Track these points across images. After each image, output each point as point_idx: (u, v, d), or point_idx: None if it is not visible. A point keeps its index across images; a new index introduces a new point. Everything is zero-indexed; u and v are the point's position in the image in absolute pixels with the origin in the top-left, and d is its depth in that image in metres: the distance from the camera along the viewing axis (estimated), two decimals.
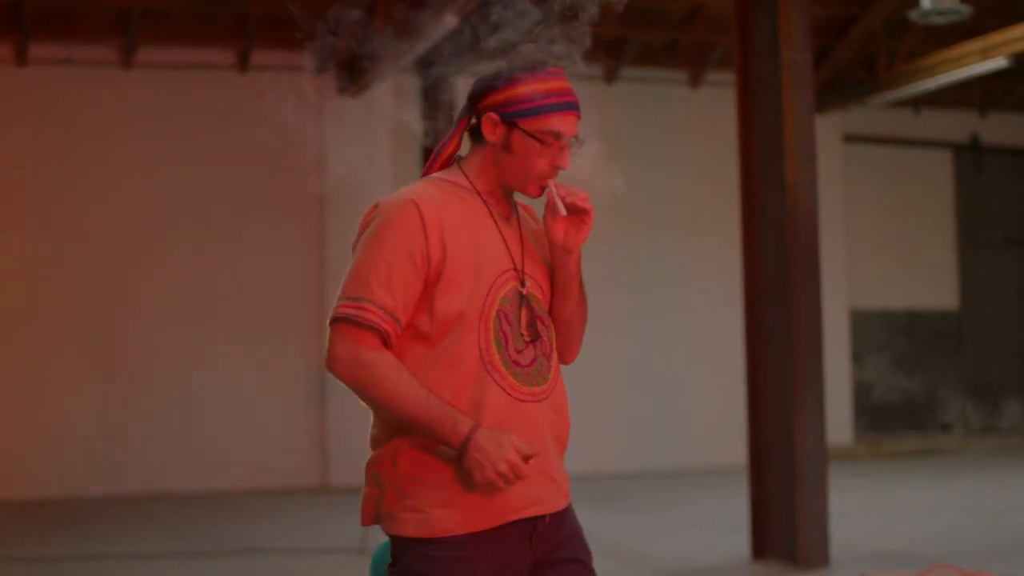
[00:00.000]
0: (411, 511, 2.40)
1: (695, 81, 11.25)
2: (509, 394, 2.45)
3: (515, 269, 2.51)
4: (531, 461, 2.39)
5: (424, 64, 9.93)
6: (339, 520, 8.19)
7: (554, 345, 2.57)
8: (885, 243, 12.28)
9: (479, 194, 2.53)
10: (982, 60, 9.59)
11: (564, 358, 2.64)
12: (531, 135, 2.46)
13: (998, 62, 9.51)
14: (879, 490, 9.50)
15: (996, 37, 9.39)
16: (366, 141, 10.29)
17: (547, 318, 2.56)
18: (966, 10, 8.13)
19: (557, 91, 2.48)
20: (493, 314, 2.47)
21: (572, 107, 2.49)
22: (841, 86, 11.52)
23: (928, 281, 12.59)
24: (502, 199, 2.57)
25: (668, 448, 10.99)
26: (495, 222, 2.52)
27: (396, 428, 2.43)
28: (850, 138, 12.08)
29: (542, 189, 2.50)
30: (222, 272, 10.22)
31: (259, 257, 10.27)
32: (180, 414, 10.01)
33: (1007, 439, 12.87)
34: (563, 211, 2.49)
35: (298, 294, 10.29)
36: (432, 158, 2.62)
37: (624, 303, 11.03)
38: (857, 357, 12.24)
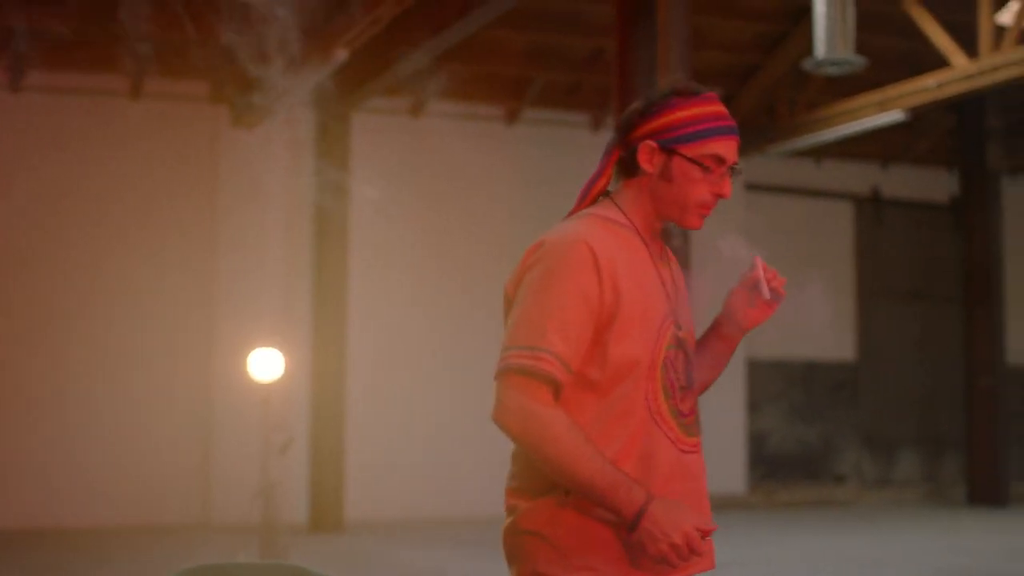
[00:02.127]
0: (583, 570, 2.26)
1: (597, 124, 11.19)
2: (676, 445, 2.34)
3: (672, 312, 2.38)
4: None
5: (319, 97, 9.80)
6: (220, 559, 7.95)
7: (695, 392, 2.45)
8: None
9: (637, 231, 2.38)
10: (880, 112, 9.62)
11: None
12: (693, 160, 2.33)
13: (895, 115, 9.55)
14: (768, 540, 9.43)
15: (893, 90, 9.43)
16: (259, 174, 10.11)
17: (695, 363, 2.47)
18: (859, 62, 8.13)
19: (716, 115, 2.35)
20: (661, 361, 2.34)
21: (733, 131, 2.36)
22: (743, 134, 11.51)
23: (826, 332, 12.60)
24: (656, 236, 2.42)
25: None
26: (653, 262, 2.38)
27: (552, 482, 2.29)
28: (751, 186, 12.09)
29: (702, 219, 2.37)
30: (107, 302, 9.97)
31: (146, 289, 10.03)
32: (58, 446, 9.73)
33: (901, 491, 12.88)
34: (766, 294, 2.44)
35: (187, 326, 10.06)
36: (582, 194, 2.47)
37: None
38: (753, 406, 12.21)
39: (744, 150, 11.47)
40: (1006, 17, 9.28)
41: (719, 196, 2.35)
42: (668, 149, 2.33)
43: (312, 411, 9.83)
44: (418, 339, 10.59)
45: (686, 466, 2.34)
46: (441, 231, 10.70)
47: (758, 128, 11.33)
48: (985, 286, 11.88)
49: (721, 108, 2.36)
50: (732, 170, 2.36)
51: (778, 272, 2.44)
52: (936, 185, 13.07)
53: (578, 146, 11.08)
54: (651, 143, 2.33)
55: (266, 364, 7.58)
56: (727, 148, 2.34)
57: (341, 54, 7.92)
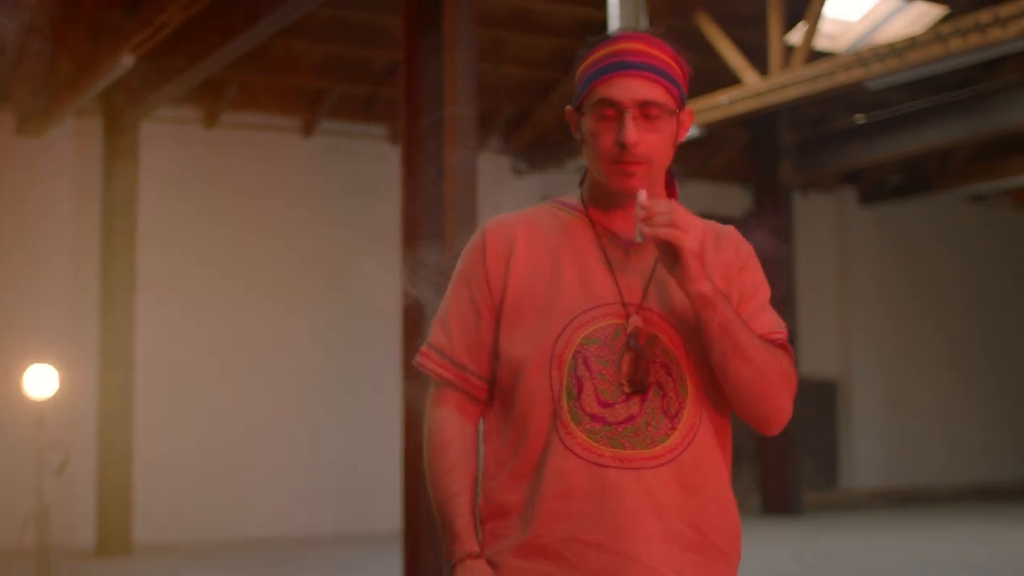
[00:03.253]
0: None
1: (395, 136, 11.09)
2: (581, 457, 2.04)
3: (622, 303, 2.11)
4: (612, 544, 2.01)
5: (107, 105, 9.50)
6: None
7: (695, 401, 2.12)
8: None
9: (587, 214, 2.16)
10: None
11: (757, 428, 2.23)
12: (587, 111, 2.12)
13: (690, 131, 9.64)
14: None
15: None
16: (45, 182, 9.76)
17: (677, 366, 2.10)
18: None
19: (606, 55, 2.12)
20: (568, 357, 2.08)
21: (622, 67, 2.10)
22: (543, 148, 11.57)
23: None
24: (628, 217, 2.17)
25: (343, 512, 10.72)
26: (602, 247, 2.14)
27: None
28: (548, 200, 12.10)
29: (622, 176, 2.09)
30: None
31: None
32: None
33: None
34: (637, 236, 2.06)
35: None
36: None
37: (316, 365, 10.74)
38: None
39: (543, 165, 11.52)
40: (795, 36, 9.49)
41: (623, 145, 2.08)
42: (576, 108, 2.17)
43: (98, 430, 9.48)
44: (209, 355, 10.33)
45: (605, 484, 2.04)
46: (235, 244, 10.46)
47: (557, 144, 11.38)
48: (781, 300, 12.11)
49: (616, 47, 2.13)
50: (641, 109, 2.10)
51: (657, 207, 2.04)
52: (731, 200, 13.31)
53: (376, 158, 10.97)
54: (569, 108, 2.20)
55: (41, 381, 7.30)
56: (616, 87, 2.10)
57: (128, 59, 7.67)
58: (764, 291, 2.23)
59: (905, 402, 14.35)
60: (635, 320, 2.11)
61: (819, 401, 13.80)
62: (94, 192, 9.87)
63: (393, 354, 8.14)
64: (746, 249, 2.24)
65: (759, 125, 12.09)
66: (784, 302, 11.95)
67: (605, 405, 2.07)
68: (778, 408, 2.15)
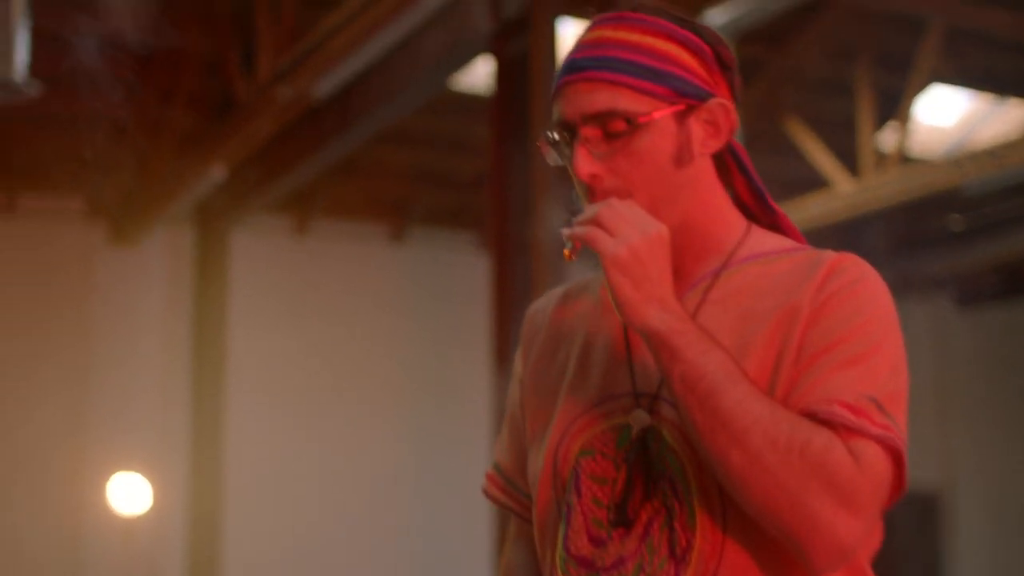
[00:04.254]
0: None
1: (484, 244, 11.09)
2: None
3: (634, 394, 1.61)
4: None
5: (199, 214, 9.61)
6: None
7: (709, 535, 1.54)
8: None
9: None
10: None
11: (799, 556, 1.50)
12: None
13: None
14: None
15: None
16: (137, 291, 9.86)
17: (684, 483, 1.56)
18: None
19: (562, 65, 1.67)
20: (568, 474, 1.64)
21: (566, 71, 1.63)
22: None
23: None
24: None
25: None
26: (624, 323, 1.56)
27: None
28: None
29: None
30: None
31: (15, 412, 9.64)
32: None
33: None
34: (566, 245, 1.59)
35: (57, 452, 9.67)
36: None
37: (406, 469, 10.68)
38: None
39: None
40: (887, 141, 9.36)
41: (579, 179, 1.62)
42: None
43: (188, 540, 9.45)
44: (300, 459, 10.29)
45: None
46: (325, 348, 10.47)
47: None
48: None
49: (575, 44, 1.68)
50: (594, 127, 1.60)
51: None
52: None
53: (465, 264, 10.96)
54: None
55: (130, 490, 7.26)
56: (564, 101, 1.63)
57: (218, 171, 7.76)
58: (850, 344, 1.52)
59: (1015, 513, 13.93)
60: (640, 417, 1.59)
61: (918, 516, 13.41)
62: (185, 299, 9.94)
63: (483, 459, 8.03)
64: (839, 284, 1.56)
65: (851, 230, 11.92)
66: None
67: (596, 543, 1.60)
68: (809, 524, 1.45)
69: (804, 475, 1.45)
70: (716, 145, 1.65)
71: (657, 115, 1.60)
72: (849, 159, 9.52)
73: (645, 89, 1.60)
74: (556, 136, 1.65)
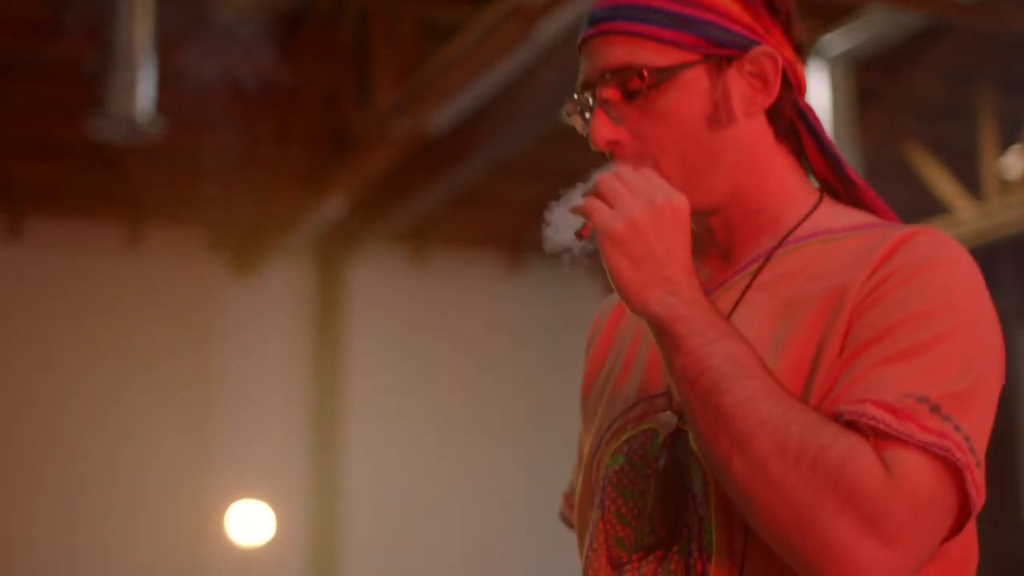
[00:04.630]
0: None
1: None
2: None
3: (667, 393, 1.43)
4: None
5: (319, 246, 9.71)
6: None
7: (727, 559, 1.32)
8: None
9: None
10: None
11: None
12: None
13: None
14: None
15: None
16: (258, 321, 9.98)
17: (703, 496, 1.35)
18: None
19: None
20: (600, 488, 1.46)
21: (585, 27, 1.45)
22: None
23: None
24: (706, 264, 1.50)
25: None
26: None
27: None
28: None
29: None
30: (98, 457, 9.76)
31: (139, 442, 9.82)
32: None
33: None
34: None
35: (178, 478, 9.82)
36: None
37: (522, 498, 10.65)
38: None
39: None
40: (1014, 166, 9.18)
41: (595, 146, 1.46)
42: None
43: (305, 575, 9.51)
44: (421, 496, 10.32)
45: None
46: (442, 378, 10.51)
47: None
48: None
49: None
50: (612, 87, 1.42)
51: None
52: None
53: (581, 296, 10.92)
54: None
55: (251, 522, 7.29)
56: (585, 62, 1.45)
57: (338, 205, 7.85)
58: (907, 331, 1.27)
59: None
60: (667, 420, 1.40)
61: None
62: (305, 330, 10.05)
63: None
64: (903, 261, 1.32)
65: (975, 257, 11.66)
66: (1004, 444, 11.42)
67: (616, 565, 1.41)
68: (822, 549, 1.20)
69: (816, 489, 1.19)
70: (765, 101, 1.42)
71: (681, 67, 1.38)
72: (972, 185, 9.34)
73: (668, 39, 1.38)
74: (579, 101, 1.46)
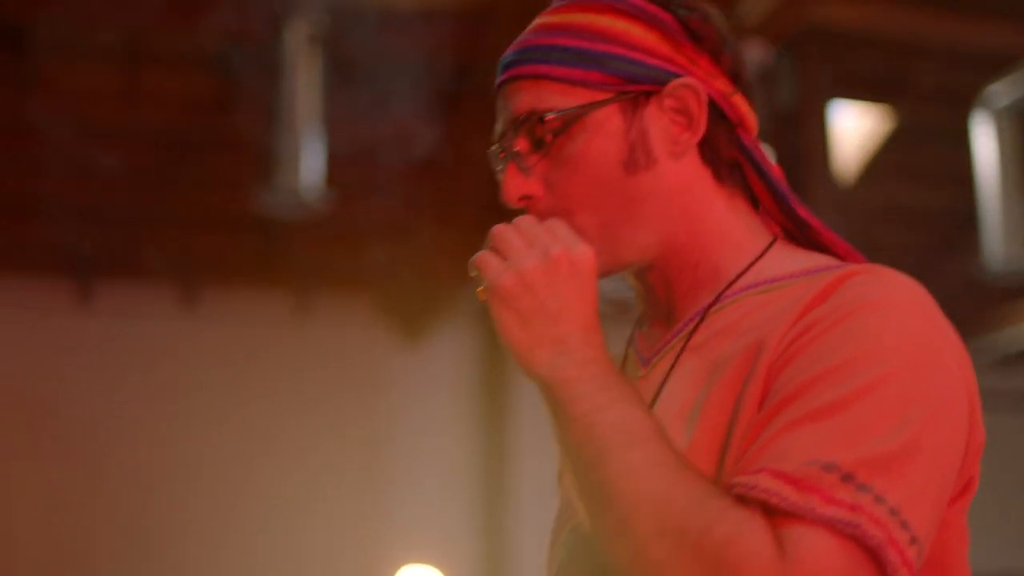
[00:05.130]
0: None
1: None
2: None
3: None
4: None
5: (483, 311, 9.74)
6: None
7: None
8: None
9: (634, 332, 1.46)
10: None
11: None
12: None
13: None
14: None
15: None
16: (422, 388, 10.05)
17: None
18: None
19: None
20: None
21: (499, 72, 1.35)
22: None
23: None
24: (651, 328, 1.40)
25: None
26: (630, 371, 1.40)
27: None
28: None
29: None
30: (269, 522, 9.90)
31: (306, 505, 9.95)
32: None
33: None
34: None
35: (345, 541, 9.91)
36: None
37: None
38: None
39: None
40: None
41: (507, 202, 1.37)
42: None
43: None
44: None
45: None
46: None
47: None
48: None
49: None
50: (519, 136, 1.32)
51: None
52: None
53: None
54: None
55: None
56: (498, 112, 1.34)
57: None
58: (826, 385, 1.12)
59: None
60: None
61: None
62: (471, 394, 10.10)
63: None
64: (834, 304, 1.17)
65: None
66: None
67: None
68: None
69: (697, 574, 1.05)
70: (691, 139, 1.29)
71: (588, 107, 1.26)
72: None
73: (576, 79, 1.27)
74: (493, 155, 1.35)
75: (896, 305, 1.16)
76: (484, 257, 1.26)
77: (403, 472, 9.95)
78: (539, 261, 1.21)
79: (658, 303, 1.36)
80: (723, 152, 1.32)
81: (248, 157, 6.84)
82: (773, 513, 1.06)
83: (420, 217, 8.22)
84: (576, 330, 1.20)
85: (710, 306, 1.29)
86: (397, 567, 7.58)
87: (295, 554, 9.77)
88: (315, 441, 10.00)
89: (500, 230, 1.26)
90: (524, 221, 1.26)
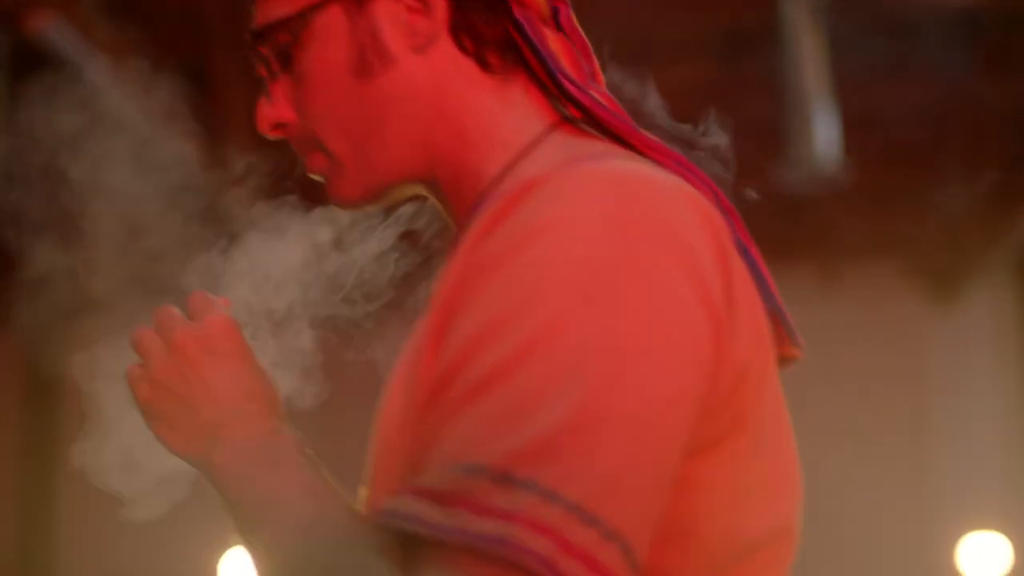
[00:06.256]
0: None
1: None
2: None
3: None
4: None
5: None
6: None
7: None
8: None
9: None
10: None
11: None
12: None
13: None
14: None
15: None
16: (964, 359, 9.69)
17: None
18: None
19: None
20: None
21: None
22: None
23: None
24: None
25: None
26: None
27: None
28: None
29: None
30: (814, 497, 9.84)
31: (849, 478, 9.83)
32: None
33: None
34: None
35: (896, 510, 9.69)
36: None
37: None
38: None
39: None
40: None
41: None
42: None
43: None
44: None
45: None
46: None
47: None
48: None
49: None
50: (266, 57, 1.18)
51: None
52: None
53: None
54: None
55: (986, 553, 7.07)
56: None
57: None
58: (486, 354, 0.88)
59: None
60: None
61: None
62: (1018, 355, 9.66)
63: None
64: (505, 234, 0.93)
65: None
66: None
67: None
68: None
69: None
70: (430, 26, 1.10)
71: (308, 11, 1.10)
72: None
73: None
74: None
75: (570, 223, 0.91)
76: (129, 370, 1.14)
77: (952, 439, 9.64)
78: (162, 356, 1.10)
79: (449, 224, 1.19)
80: (486, 34, 1.12)
81: (761, 136, 6.87)
82: (421, 546, 0.85)
83: (944, 173, 7.93)
84: (226, 411, 1.08)
85: (464, 223, 1.11)
86: (959, 536, 7.32)
87: (843, 525, 9.68)
88: (853, 412, 9.88)
89: (138, 333, 1.14)
90: (160, 313, 1.14)
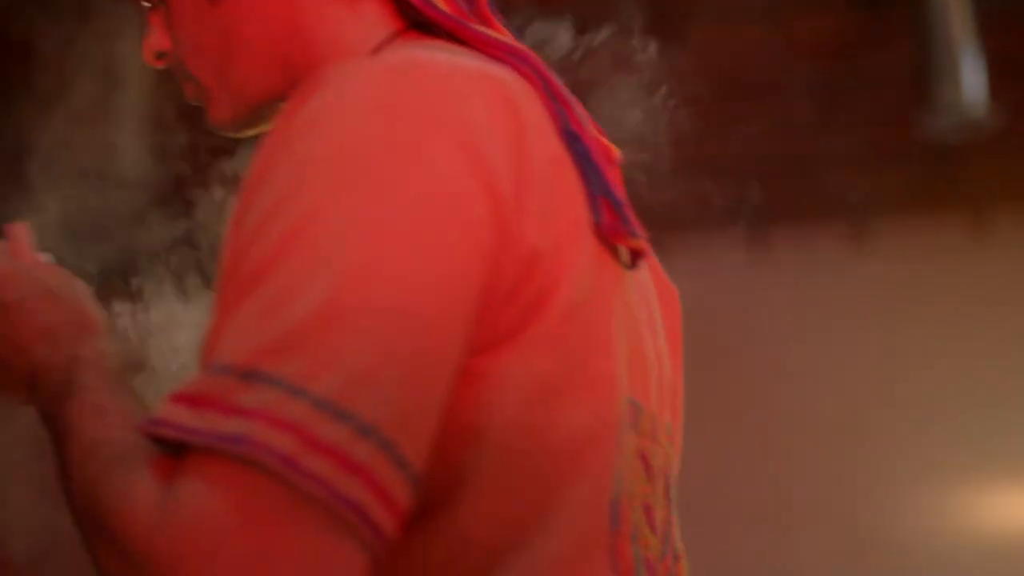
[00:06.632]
0: None
1: None
2: None
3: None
4: None
5: None
6: None
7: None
8: None
9: None
10: None
11: None
12: None
13: None
14: None
15: None
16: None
17: None
18: None
19: None
20: None
21: None
22: None
23: None
24: None
25: None
26: None
27: None
28: None
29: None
30: (935, 451, 9.69)
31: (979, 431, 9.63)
32: None
33: None
34: None
35: None
36: None
37: None
38: None
39: None
40: None
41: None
42: None
43: None
44: None
45: None
46: None
47: None
48: None
49: None
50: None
51: None
52: None
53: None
54: None
55: None
56: None
57: None
58: (255, 243, 0.86)
59: None
60: None
61: None
62: None
63: None
64: (283, 117, 0.94)
65: None
66: None
67: None
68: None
69: (108, 557, 0.84)
70: None
71: None
72: None
73: None
74: None
75: (340, 112, 0.89)
76: None
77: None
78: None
79: None
80: None
81: (905, 85, 6.74)
82: (180, 452, 0.82)
83: None
84: (34, 359, 1.05)
85: None
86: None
87: (985, 489, 9.49)
88: (1016, 370, 9.67)
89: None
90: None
